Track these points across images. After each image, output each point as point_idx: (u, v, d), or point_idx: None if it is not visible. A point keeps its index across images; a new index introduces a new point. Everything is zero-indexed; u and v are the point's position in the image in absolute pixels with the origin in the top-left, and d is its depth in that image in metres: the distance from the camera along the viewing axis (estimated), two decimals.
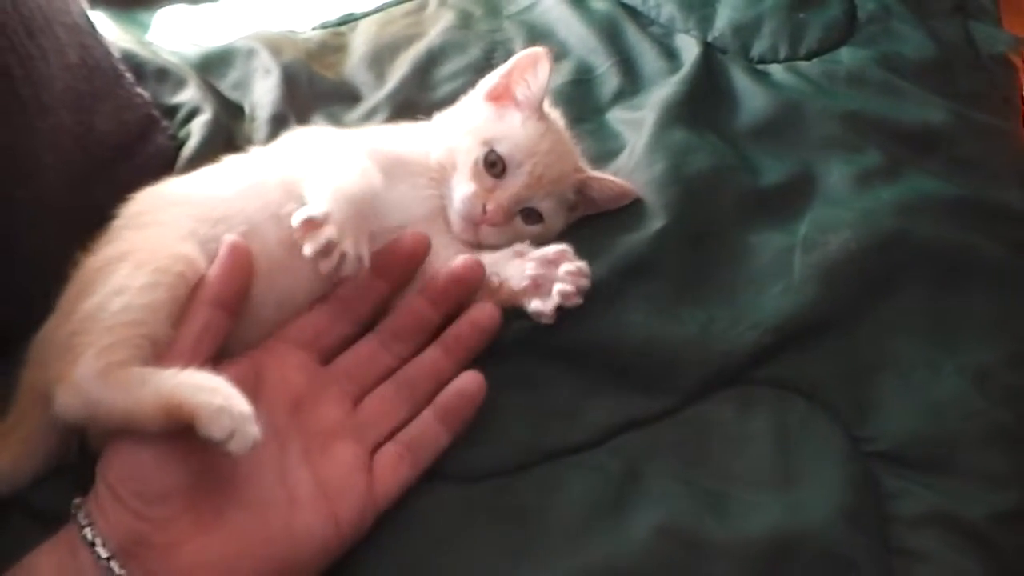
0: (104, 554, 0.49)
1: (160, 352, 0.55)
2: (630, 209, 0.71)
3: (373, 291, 0.61)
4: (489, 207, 0.65)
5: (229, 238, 0.58)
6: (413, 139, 0.69)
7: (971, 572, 0.57)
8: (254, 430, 0.50)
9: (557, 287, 0.62)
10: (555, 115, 0.73)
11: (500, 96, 0.70)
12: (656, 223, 0.69)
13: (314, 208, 0.55)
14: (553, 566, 0.56)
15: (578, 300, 0.62)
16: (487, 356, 0.63)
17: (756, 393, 0.64)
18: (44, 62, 0.62)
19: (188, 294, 0.56)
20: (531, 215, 0.68)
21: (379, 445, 0.58)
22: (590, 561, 0.56)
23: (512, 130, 0.68)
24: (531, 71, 0.69)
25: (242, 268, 0.57)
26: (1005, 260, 0.71)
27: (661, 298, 0.67)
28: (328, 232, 0.55)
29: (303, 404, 0.58)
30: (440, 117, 0.72)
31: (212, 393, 0.50)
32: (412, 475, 0.58)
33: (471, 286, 0.62)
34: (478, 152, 0.66)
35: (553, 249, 0.63)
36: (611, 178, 0.71)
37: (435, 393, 0.60)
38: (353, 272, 0.56)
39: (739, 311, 0.66)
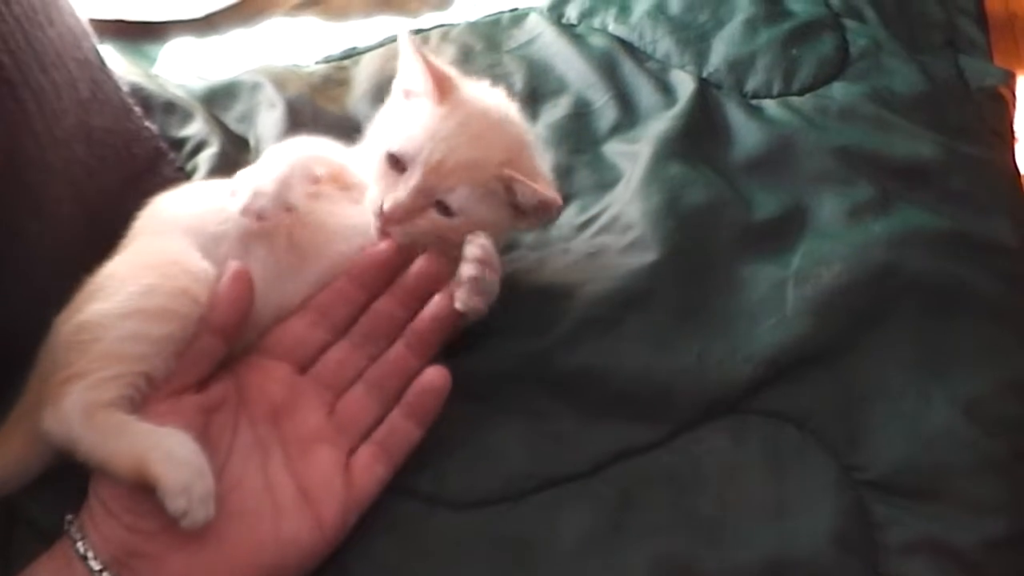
0: (96, 566, 0.51)
1: (156, 384, 0.56)
2: (626, 241, 0.72)
3: (351, 299, 0.62)
4: (386, 206, 0.61)
5: (233, 265, 0.59)
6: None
7: None
8: (206, 512, 0.52)
9: (462, 270, 0.61)
10: (483, 88, 0.69)
11: (407, 92, 0.67)
12: (652, 256, 0.71)
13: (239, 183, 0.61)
14: None
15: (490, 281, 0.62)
16: (484, 384, 0.64)
17: (750, 423, 0.65)
18: (57, 96, 0.63)
19: (198, 321, 0.58)
20: (445, 209, 0.63)
21: (355, 446, 0.60)
22: None
23: (411, 122, 0.64)
24: (407, 57, 0.65)
25: (244, 297, 0.59)
26: (995, 292, 0.72)
27: (657, 328, 0.68)
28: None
29: (282, 413, 0.60)
30: None
31: (179, 468, 0.52)
32: (388, 473, 0.60)
33: (438, 280, 0.62)
34: (380, 151, 0.63)
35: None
36: (534, 185, 0.63)
37: (404, 389, 0.61)
38: (268, 209, 0.60)
39: (733, 343, 0.67)
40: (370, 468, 0.59)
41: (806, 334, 0.67)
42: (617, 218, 0.75)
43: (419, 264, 0.62)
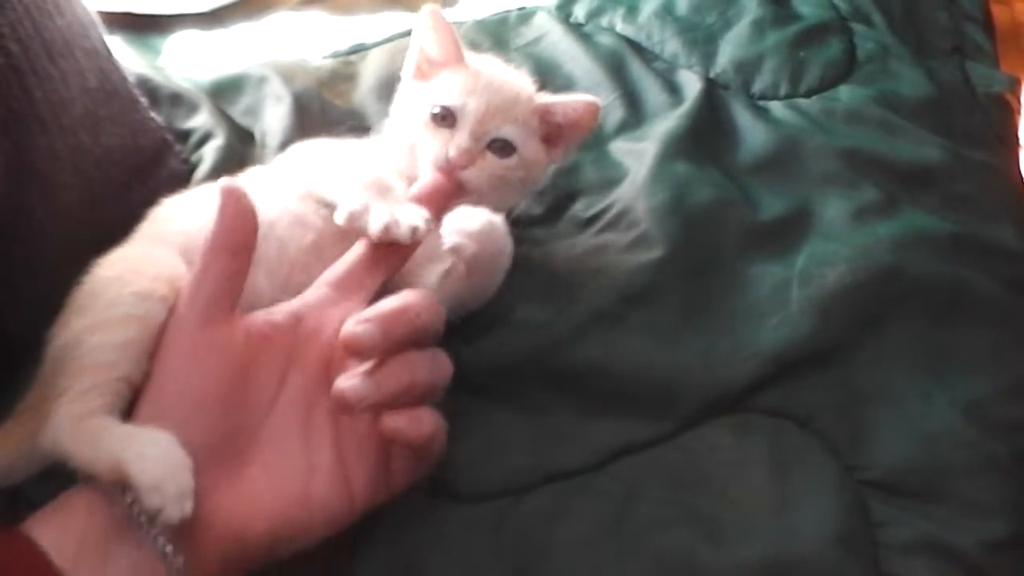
0: (128, 498, 0.50)
1: (139, 388, 0.55)
2: (632, 238, 0.72)
3: (403, 249, 0.61)
4: (452, 153, 0.65)
5: (222, 182, 0.57)
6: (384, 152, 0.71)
7: None
8: (180, 510, 0.49)
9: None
10: (487, 57, 0.74)
11: (424, 71, 0.71)
12: (657, 252, 0.71)
13: (351, 203, 0.59)
14: None
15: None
16: (491, 380, 0.64)
17: (753, 421, 0.65)
18: (64, 85, 0.63)
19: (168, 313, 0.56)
20: (502, 147, 0.68)
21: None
22: None
23: (445, 84, 0.69)
24: (430, 29, 0.70)
25: (244, 209, 0.56)
26: (998, 296, 0.72)
27: (661, 325, 0.68)
28: (379, 210, 0.58)
29: (334, 369, 0.57)
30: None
31: (152, 465, 0.50)
32: (422, 469, 0.58)
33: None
34: (424, 113, 0.67)
35: None
36: (567, 99, 0.71)
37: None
38: (422, 235, 0.58)
39: (738, 340, 0.67)
40: (405, 454, 0.57)
41: (809, 334, 0.67)
42: (622, 215, 0.75)
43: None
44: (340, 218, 0.59)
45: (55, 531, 0.49)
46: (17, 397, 0.58)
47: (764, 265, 0.72)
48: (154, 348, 0.55)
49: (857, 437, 0.64)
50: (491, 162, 0.67)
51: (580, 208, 0.77)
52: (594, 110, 0.70)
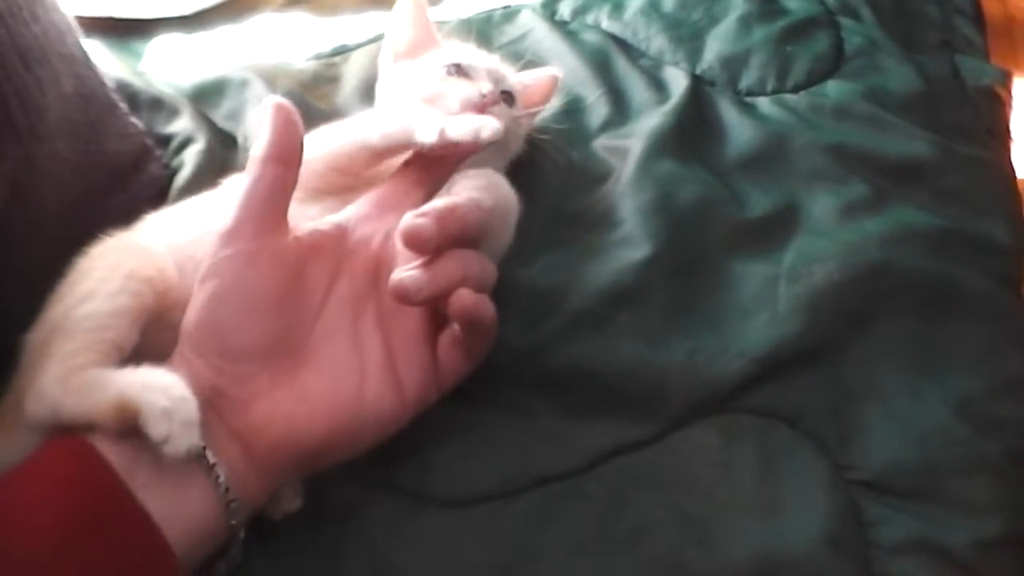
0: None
1: (126, 356, 0.55)
2: (617, 237, 0.73)
3: (441, 168, 0.62)
4: (484, 90, 0.68)
5: (271, 99, 0.58)
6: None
7: None
8: (189, 438, 0.50)
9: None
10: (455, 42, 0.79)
11: (406, 53, 0.77)
12: (643, 251, 0.71)
13: (428, 131, 0.60)
14: None
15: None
16: (476, 382, 0.63)
17: (741, 421, 0.64)
18: (40, 92, 0.63)
19: (155, 301, 0.57)
20: (508, 98, 0.73)
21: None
22: None
23: (445, 51, 0.76)
24: (410, 15, 0.77)
25: (293, 122, 0.57)
26: (989, 292, 0.72)
27: (648, 325, 0.68)
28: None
29: (383, 270, 0.59)
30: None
31: (160, 393, 0.51)
32: (468, 367, 0.60)
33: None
34: (437, 72, 0.72)
35: None
36: (533, 71, 0.80)
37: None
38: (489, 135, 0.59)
39: (725, 340, 0.67)
40: (452, 351, 0.59)
41: (798, 332, 0.67)
42: (607, 214, 0.75)
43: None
44: (430, 136, 0.59)
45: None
46: None
47: (751, 263, 0.72)
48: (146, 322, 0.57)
49: (847, 436, 0.64)
50: (504, 109, 0.71)
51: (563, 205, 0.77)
52: (553, 82, 0.80)
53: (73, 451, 0.50)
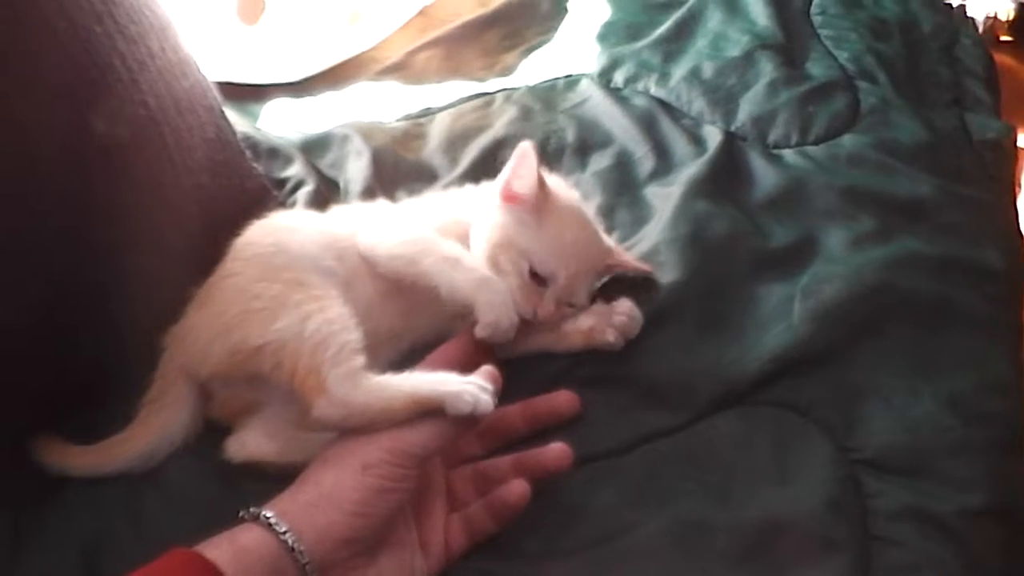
0: (304, 559, 0.57)
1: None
2: (656, 265, 0.83)
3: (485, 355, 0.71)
4: (540, 313, 0.74)
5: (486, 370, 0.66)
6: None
7: (939, 556, 0.66)
8: (487, 397, 0.62)
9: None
10: (573, 197, 0.81)
11: (510, 196, 0.76)
12: (675, 276, 0.81)
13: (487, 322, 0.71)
14: (590, 547, 0.67)
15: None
16: (540, 385, 0.74)
17: (758, 411, 0.74)
18: (189, 134, 0.77)
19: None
20: (571, 304, 0.77)
21: (448, 514, 0.67)
22: (620, 542, 0.67)
23: (538, 239, 0.75)
24: (521, 164, 0.75)
25: None
26: (979, 308, 0.81)
27: (681, 338, 0.78)
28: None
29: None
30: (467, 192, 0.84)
31: (446, 383, 0.62)
32: (466, 549, 0.67)
33: (565, 417, 0.73)
34: (522, 266, 0.74)
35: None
36: (633, 263, 0.81)
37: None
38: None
39: (746, 347, 0.77)
40: (458, 537, 0.66)
41: (809, 338, 0.77)
42: (650, 247, 0.85)
43: (560, 400, 0.74)
44: (482, 333, 0.70)
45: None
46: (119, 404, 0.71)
47: (772, 285, 0.82)
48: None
49: (851, 424, 0.73)
50: (560, 312, 0.76)
51: (614, 243, 0.86)
52: (647, 274, 0.82)
53: (189, 560, 0.54)
